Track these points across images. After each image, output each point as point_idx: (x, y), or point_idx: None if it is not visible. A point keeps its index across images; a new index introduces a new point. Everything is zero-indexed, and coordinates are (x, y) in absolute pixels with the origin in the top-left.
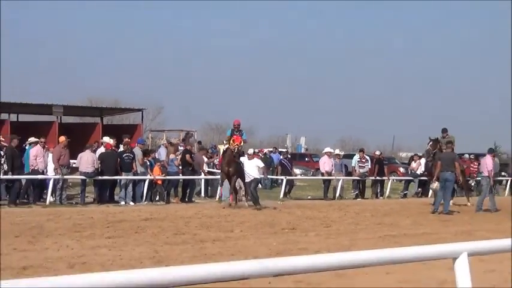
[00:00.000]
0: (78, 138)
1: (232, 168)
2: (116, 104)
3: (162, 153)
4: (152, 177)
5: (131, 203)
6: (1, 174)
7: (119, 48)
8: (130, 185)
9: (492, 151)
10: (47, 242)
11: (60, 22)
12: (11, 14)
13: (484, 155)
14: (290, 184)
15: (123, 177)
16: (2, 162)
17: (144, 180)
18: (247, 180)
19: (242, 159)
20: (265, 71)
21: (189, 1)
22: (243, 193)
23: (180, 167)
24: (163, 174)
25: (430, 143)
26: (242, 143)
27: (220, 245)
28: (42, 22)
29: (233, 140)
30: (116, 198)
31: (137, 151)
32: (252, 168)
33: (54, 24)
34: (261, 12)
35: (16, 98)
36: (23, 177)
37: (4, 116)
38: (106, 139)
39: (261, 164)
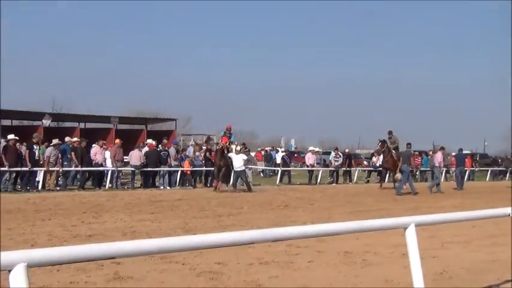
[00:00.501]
0: (129, 141)
1: (222, 162)
2: (156, 115)
3: (190, 151)
4: (183, 168)
5: (168, 188)
6: (73, 166)
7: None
8: (167, 175)
9: (442, 148)
10: (106, 216)
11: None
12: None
13: (426, 152)
14: (289, 174)
15: (162, 168)
16: (74, 158)
17: (177, 171)
18: (235, 169)
19: (230, 154)
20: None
21: None
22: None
23: (203, 161)
24: (191, 167)
25: (379, 143)
26: (228, 143)
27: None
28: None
29: (221, 140)
30: (157, 184)
31: (172, 150)
32: (238, 161)
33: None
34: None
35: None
36: (89, 169)
37: (75, 124)
38: (149, 141)
39: (245, 157)
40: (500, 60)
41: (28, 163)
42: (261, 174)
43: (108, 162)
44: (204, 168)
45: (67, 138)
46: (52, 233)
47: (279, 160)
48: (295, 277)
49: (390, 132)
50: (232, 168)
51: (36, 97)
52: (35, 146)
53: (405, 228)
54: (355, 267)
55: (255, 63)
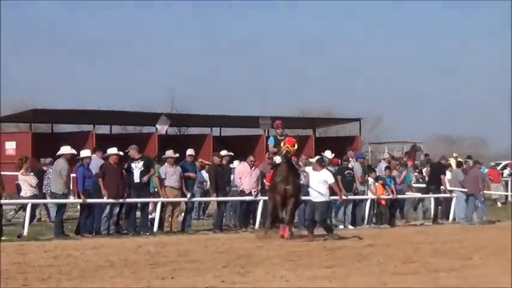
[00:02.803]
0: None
1: (290, 187)
2: (329, 115)
3: (381, 168)
4: (373, 197)
5: (350, 227)
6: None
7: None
8: (350, 206)
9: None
10: (258, 272)
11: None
12: None
13: None
14: None
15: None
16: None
17: (364, 200)
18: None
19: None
20: None
21: None
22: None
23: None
24: (387, 193)
25: None
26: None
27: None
28: None
29: (284, 144)
30: (334, 221)
31: (357, 167)
32: (319, 184)
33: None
34: None
35: (216, 110)
36: (228, 198)
37: (205, 130)
38: (328, 153)
39: (331, 179)
40: None
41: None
42: (498, 203)
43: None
44: (408, 195)
45: (189, 151)
46: None
47: None
48: None
49: None
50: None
51: (147, 92)
52: (133, 165)
53: None
54: None
55: None
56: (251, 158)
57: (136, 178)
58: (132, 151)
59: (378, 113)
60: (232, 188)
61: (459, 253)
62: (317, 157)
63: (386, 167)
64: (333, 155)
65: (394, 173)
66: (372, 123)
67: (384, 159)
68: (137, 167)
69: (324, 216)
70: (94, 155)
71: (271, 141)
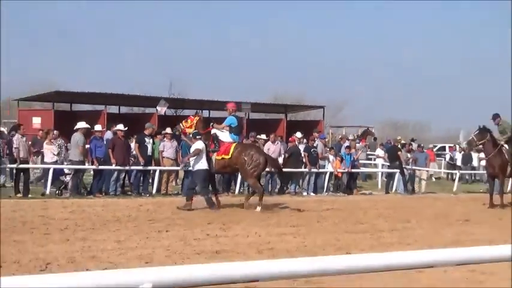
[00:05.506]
0: (264, 133)
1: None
2: (299, 102)
3: (344, 148)
4: (333, 170)
5: (312, 194)
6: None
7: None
8: (313, 177)
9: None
10: (236, 229)
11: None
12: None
13: None
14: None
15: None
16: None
17: (325, 173)
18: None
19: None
20: None
21: None
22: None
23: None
24: (344, 167)
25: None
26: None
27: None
28: None
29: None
30: (298, 189)
31: (320, 145)
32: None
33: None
34: None
35: (206, 95)
36: None
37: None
38: (298, 134)
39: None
40: None
41: (141, 159)
42: (433, 178)
43: None
44: (363, 170)
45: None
46: (171, 248)
47: (459, 161)
48: None
49: (496, 116)
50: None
51: (150, 78)
52: (146, 139)
53: None
54: None
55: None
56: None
57: (149, 151)
58: (148, 129)
59: (340, 101)
60: None
61: (399, 217)
62: (194, 131)
63: (347, 146)
64: (302, 135)
65: (353, 151)
66: (334, 110)
67: (341, 139)
68: (149, 143)
69: (203, 184)
70: (109, 131)
71: (232, 120)
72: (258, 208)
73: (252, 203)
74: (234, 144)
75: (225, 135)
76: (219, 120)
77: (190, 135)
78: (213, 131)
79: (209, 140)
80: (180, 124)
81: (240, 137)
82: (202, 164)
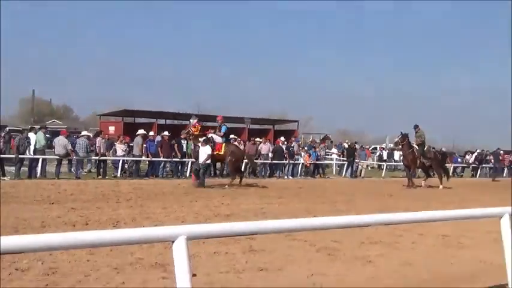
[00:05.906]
0: (259, 137)
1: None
2: (283, 117)
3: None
4: (304, 161)
5: (291, 177)
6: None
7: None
8: (291, 167)
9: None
10: (241, 199)
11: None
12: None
13: None
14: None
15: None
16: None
17: (299, 164)
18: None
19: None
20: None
21: None
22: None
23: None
24: (310, 160)
25: (400, 136)
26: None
27: (347, 204)
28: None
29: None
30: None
31: (295, 146)
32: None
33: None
34: None
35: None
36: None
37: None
38: (282, 138)
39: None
40: None
41: (178, 154)
42: (369, 168)
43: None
44: (323, 162)
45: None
46: (198, 212)
47: (385, 156)
48: (399, 255)
49: (416, 126)
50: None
51: (185, 102)
52: (182, 141)
53: (500, 217)
54: (453, 249)
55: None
56: (238, 139)
57: (184, 149)
58: (184, 134)
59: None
60: None
61: (345, 192)
62: (204, 138)
63: (313, 146)
64: (284, 139)
65: (317, 149)
66: (305, 121)
67: (310, 141)
68: (184, 143)
69: (204, 170)
70: (158, 135)
71: (225, 129)
72: (226, 187)
73: (248, 183)
74: (224, 144)
75: (218, 138)
76: (214, 128)
77: (202, 140)
78: (210, 134)
79: (208, 140)
80: (189, 129)
81: (232, 140)
82: (206, 158)
